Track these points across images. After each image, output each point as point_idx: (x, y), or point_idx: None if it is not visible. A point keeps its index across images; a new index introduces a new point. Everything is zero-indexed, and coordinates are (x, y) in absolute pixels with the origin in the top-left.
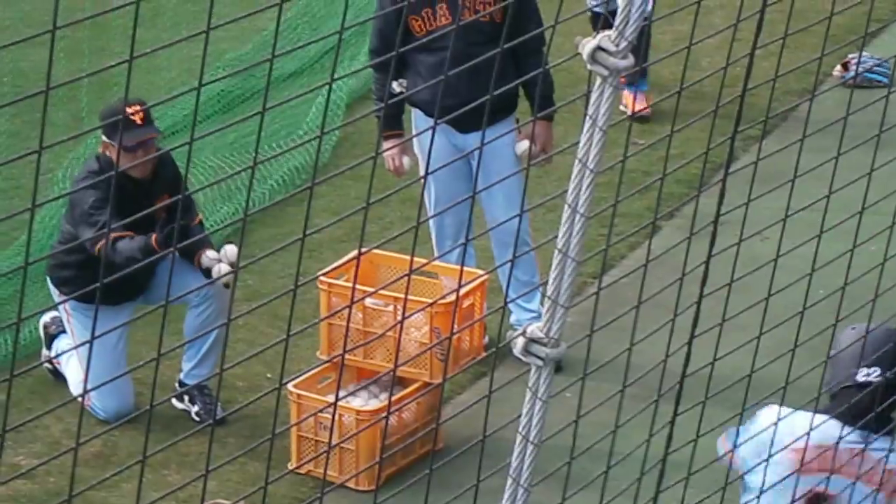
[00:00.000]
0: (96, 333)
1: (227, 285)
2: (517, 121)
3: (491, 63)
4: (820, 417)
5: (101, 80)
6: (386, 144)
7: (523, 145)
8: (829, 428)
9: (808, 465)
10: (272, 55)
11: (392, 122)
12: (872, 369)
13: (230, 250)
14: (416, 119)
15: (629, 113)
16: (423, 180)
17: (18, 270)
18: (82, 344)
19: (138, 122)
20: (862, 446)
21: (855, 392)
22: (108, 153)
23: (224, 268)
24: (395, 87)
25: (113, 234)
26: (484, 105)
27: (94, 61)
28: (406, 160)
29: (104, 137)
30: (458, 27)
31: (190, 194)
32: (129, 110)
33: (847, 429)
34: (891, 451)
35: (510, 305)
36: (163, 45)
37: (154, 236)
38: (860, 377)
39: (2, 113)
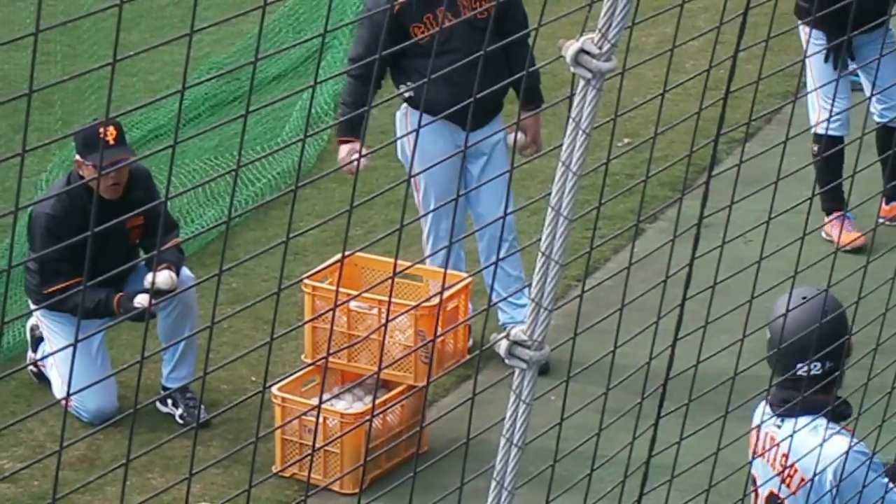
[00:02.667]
0: (69, 337)
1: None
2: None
3: (491, 59)
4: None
5: (85, 84)
6: (343, 148)
7: (513, 136)
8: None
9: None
10: (255, 58)
11: (355, 129)
12: (815, 365)
13: (161, 277)
14: (417, 124)
15: (835, 243)
16: (407, 182)
17: (1, 274)
18: (62, 349)
19: (111, 142)
20: (775, 430)
21: (792, 383)
22: (80, 171)
23: (143, 298)
24: (404, 91)
25: (68, 283)
26: (486, 101)
27: (85, 66)
28: (363, 162)
29: (77, 156)
30: (456, 25)
31: (169, 215)
32: (101, 130)
33: (767, 412)
34: (792, 435)
35: (498, 306)
36: (145, 49)
37: (119, 297)
38: (801, 372)
39: None
